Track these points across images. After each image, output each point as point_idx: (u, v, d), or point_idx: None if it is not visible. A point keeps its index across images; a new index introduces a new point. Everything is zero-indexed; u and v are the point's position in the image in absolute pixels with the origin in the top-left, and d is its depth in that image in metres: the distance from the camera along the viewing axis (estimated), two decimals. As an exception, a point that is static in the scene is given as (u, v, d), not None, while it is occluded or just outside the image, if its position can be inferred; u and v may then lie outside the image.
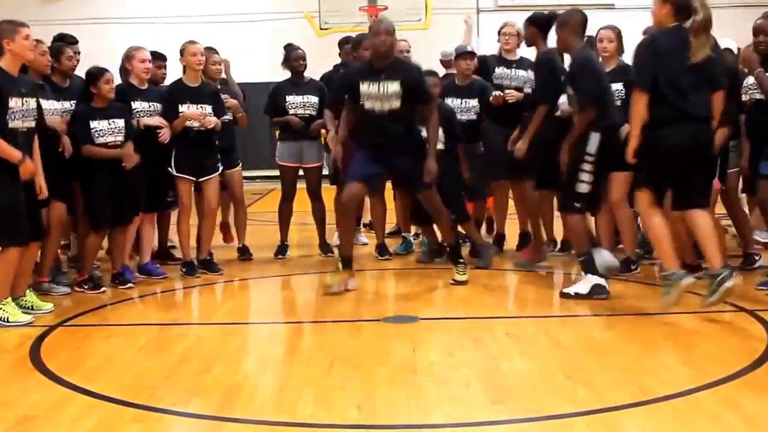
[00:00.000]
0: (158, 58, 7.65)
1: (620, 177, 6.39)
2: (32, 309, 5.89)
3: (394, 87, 6.34)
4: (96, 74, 6.58)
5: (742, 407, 3.84)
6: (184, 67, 7.28)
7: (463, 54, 7.72)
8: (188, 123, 7.13)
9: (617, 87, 6.58)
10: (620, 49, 6.90)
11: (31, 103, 5.73)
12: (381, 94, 6.36)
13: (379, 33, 6.35)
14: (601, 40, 6.82)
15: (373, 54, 6.51)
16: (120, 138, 6.62)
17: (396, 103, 6.34)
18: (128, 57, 7.11)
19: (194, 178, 7.27)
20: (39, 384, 4.41)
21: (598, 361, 4.61)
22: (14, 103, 5.58)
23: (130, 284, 6.82)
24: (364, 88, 6.40)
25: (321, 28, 14.31)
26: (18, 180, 5.59)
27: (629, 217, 6.72)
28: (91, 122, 6.53)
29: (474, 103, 7.68)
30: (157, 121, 7.04)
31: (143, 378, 4.52)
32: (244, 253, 8.18)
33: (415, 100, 6.44)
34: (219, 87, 7.61)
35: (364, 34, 7.68)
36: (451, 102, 7.63)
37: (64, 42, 7.09)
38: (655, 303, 5.83)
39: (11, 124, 5.57)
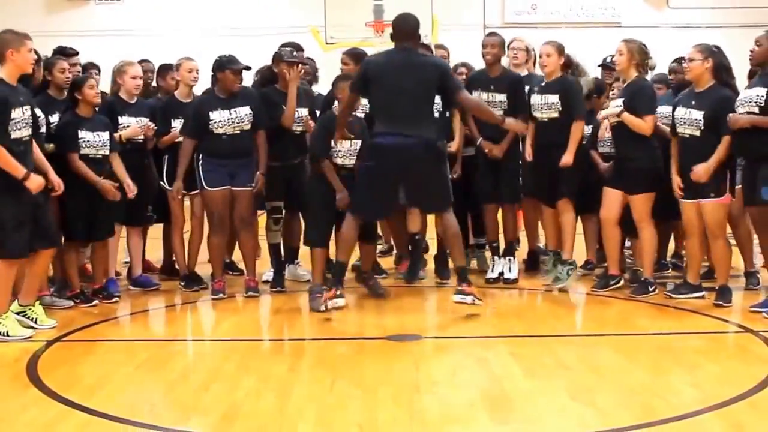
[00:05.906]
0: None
1: (641, 198, 6.53)
2: (36, 322, 5.83)
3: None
4: (79, 80, 6.55)
5: (748, 429, 3.80)
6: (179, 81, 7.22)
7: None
8: (179, 138, 7.00)
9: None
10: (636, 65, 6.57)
11: (28, 111, 5.70)
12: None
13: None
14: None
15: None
16: (104, 152, 6.53)
17: None
18: (119, 71, 7.05)
19: (185, 192, 7.06)
20: (35, 400, 4.36)
21: (603, 382, 4.57)
22: (16, 113, 5.56)
23: (115, 298, 6.72)
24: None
25: (327, 43, 14.22)
26: (18, 193, 5.53)
27: (652, 238, 6.69)
28: (79, 131, 6.44)
29: None
30: (133, 131, 6.90)
31: (141, 395, 4.48)
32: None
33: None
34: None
35: (360, 49, 7.60)
36: None
37: (62, 54, 7.04)
38: (663, 324, 5.85)
39: (14, 135, 5.54)
